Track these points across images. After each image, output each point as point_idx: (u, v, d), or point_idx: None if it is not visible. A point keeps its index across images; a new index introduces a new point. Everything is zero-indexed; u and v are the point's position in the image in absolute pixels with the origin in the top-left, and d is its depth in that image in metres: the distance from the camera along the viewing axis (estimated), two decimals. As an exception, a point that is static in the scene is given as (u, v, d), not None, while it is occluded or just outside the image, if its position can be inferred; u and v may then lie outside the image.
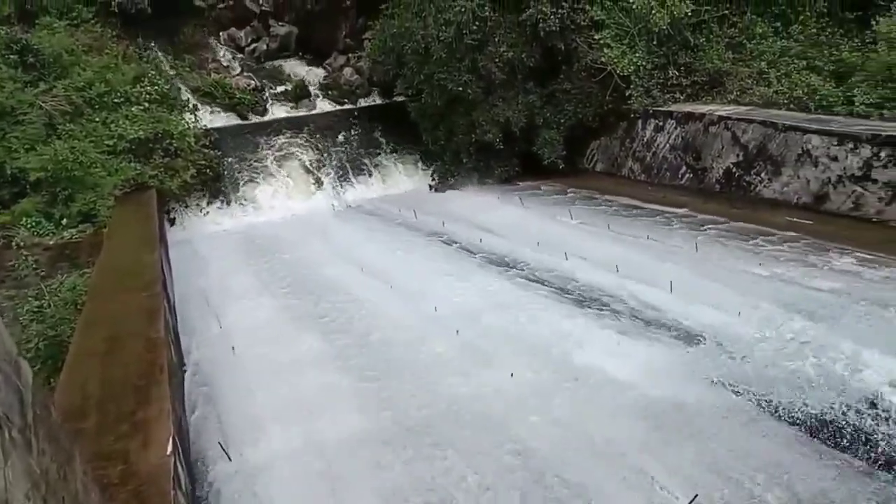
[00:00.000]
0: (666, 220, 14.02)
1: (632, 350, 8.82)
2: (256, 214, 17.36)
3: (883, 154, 12.00)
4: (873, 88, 13.86)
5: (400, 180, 19.45)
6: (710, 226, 13.29)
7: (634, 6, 16.40)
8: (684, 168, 15.87)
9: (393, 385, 8.55)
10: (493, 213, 15.83)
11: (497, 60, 16.73)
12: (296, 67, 21.75)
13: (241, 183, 17.82)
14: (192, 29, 21.27)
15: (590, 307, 10.41)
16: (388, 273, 12.39)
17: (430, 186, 19.17)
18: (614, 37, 16.68)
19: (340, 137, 19.56)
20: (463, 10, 16.47)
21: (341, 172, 19.00)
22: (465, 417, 7.67)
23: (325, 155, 19.06)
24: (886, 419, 5.93)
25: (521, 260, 12.62)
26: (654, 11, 15.96)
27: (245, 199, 17.62)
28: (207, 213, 17.09)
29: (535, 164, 18.01)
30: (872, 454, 6.03)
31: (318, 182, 18.57)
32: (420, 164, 19.72)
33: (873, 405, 6.05)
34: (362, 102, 20.96)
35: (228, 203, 17.44)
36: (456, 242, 14.07)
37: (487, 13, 16.68)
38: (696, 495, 5.92)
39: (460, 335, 9.60)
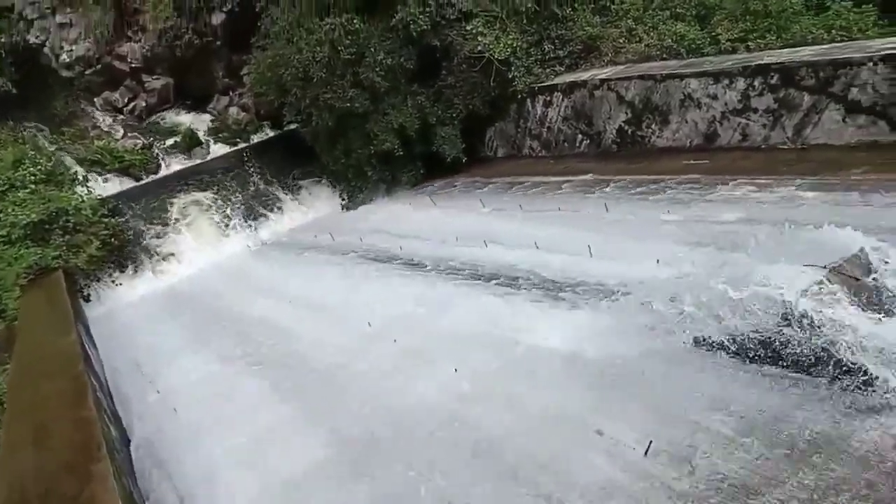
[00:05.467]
0: (573, 189, 14.31)
1: (566, 319, 8.96)
2: (171, 272, 16.98)
3: (756, 83, 12.58)
4: (734, 24, 14.52)
5: (311, 206, 19.35)
6: (614, 185, 13.62)
7: (496, -9, 16.73)
8: (580, 136, 16.26)
9: (341, 407, 8.51)
10: (407, 218, 15.88)
11: (378, 69, 16.78)
12: (180, 117, 21.37)
13: (150, 245, 17.37)
14: (64, 101, 20.67)
15: (518, 288, 10.53)
16: (315, 300, 12.30)
17: (342, 206, 19.08)
18: (485, 24, 16.91)
19: (241, 177, 19.30)
20: (333, 27, 16.48)
21: (249, 211, 18.76)
22: (419, 420, 7.67)
23: (229, 198, 18.79)
24: (804, 326, 6.21)
25: (443, 257, 12.68)
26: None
27: (157, 260, 17.18)
28: (121, 282, 16.57)
29: (439, 162, 18.15)
30: (799, 361, 6.31)
31: (228, 226, 18.27)
32: (328, 187, 19.68)
33: (788, 317, 6.32)
34: (255, 138, 20.74)
35: (141, 268, 16.99)
36: (377, 255, 14.05)
37: (357, 25, 16.71)
38: (651, 441, 6.08)
39: (398, 343, 9.61)
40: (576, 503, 5.85)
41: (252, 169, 19.49)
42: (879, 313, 6.15)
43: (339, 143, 18.00)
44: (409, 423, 7.69)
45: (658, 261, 9.44)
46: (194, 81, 21.75)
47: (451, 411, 7.69)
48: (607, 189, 13.59)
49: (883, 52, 11.06)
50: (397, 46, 17.05)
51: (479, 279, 11.25)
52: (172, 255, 17.29)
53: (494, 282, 11.01)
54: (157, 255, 17.25)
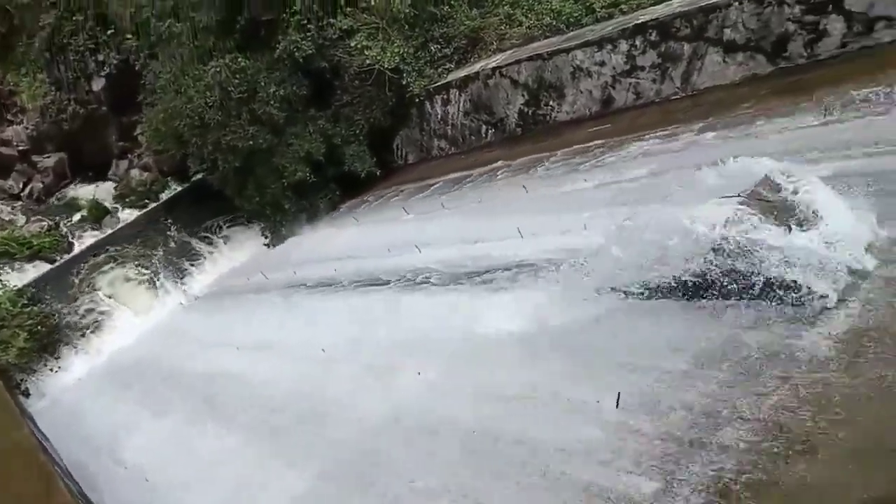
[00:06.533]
0: (489, 178, 14.63)
1: (513, 301, 9.19)
2: (108, 346, 16.58)
3: (638, 43, 13.15)
4: (604, -9, 15.10)
5: (236, 251, 19.18)
6: (527, 166, 13.99)
7: (372, 2, 16.86)
8: (484, 126, 16.61)
9: (311, 437, 8.55)
10: (335, 241, 15.92)
11: (272, 102, 16.75)
12: (82, 190, 20.91)
13: (80, 323, 16.88)
14: (-47, 199, 19.83)
15: (461, 282, 10.73)
16: (263, 340, 12.24)
17: (267, 244, 18.92)
18: (368, 37, 17.06)
19: (158, 237, 18.95)
20: (218, 69, 16.40)
21: (174, 269, 18.46)
22: (394, 431, 7.78)
23: (151, 260, 18.45)
24: (732, 253, 6.60)
25: (380, 270, 12.78)
26: (391, 2, 16.51)
27: (90, 338, 16.72)
28: (58, 368, 16.05)
29: (354, 180, 18.26)
30: (736, 287, 6.69)
31: (156, 288, 17.92)
32: (248, 228, 19.49)
33: (717, 249, 6.70)
34: (164, 195, 20.35)
35: (75, 349, 16.54)
36: (314, 283, 14.04)
37: (243, 63, 16.65)
38: (619, 393, 6.34)
39: (356, 361, 9.68)
40: (563, 464, 6.06)
41: (168, 226, 19.18)
42: (795, 226, 6.59)
43: (249, 183, 17.88)
44: (390, 435, 7.79)
45: (585, 226, 9.78)
46: (89, 151, 21.22)
47: (427, 413, 7.82)
48: (521, 170, 13.94)
49: (744, -9, 11.73)
50: (287, 76, 17.05)
51: (421, 283, 11.41)
52: (105, 328, 16.88)
53: (435, 282, 11.18)
54: (89, 332, 16.82)
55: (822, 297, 6.17)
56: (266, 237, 19.06)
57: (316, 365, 10.30)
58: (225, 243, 19.26)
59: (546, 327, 8.18)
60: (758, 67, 11.93)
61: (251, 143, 16.77)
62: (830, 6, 10.87)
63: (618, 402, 6.31)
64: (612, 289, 8.04)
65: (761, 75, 11.88)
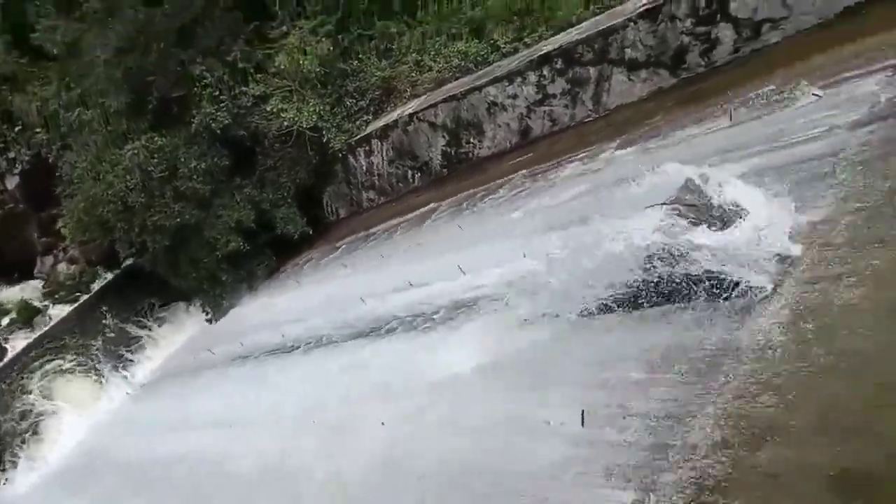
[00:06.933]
0: (421, 221, 14.75)
1: (465, 337, 9.23)
2: (57, 449, 15.86)
3: (545, 72, 13.59)
4: (507, 27, 15.61)
5: (179, 331, 18.76)
6: (458, 204, 14.18)
7: (282, 66, 16.98)
8: (410, 172, 16.79)
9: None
10: (278, 307, 15.72)
11: (195, 177, 16.60)
12: (7, 293, 20.13)
13: (21, 430, 16.14)
14: None
15: (408, 330, 10.72)
16: (219, 418, 11.96)
17: (209, 320, 18.54)
18: (283, 99, 17.14)
19: (95, 329, 18.38)
20: (135, 151, 16.24)
21: (115, 359, 17.95)
22: (368, 483, 7.69)
23: (90, 354, 17.83)
24: (665, 259, 6.83)
25: (327, 329, 12.66)
26: (301, 62, 16.67)
27: (35, 444, 15.99)
28: (4, 481, 15.29)
29: (289, 243, 18.12)
30: (675, 291, 6.91)
31: (99, 381, 17.33)
32: (188, 306, 19.04)
33: (651, 257, 6.92)
34: (96, 286, 19.77)
35: (21, 458, 15.82)
36: (263, 351, 13.81)
37: (160, 142, 16.53)
38: (583, 411, 6.42)
39: (318, 424, 9.55)
40: (538, 489, 6.11)
41: (104, 315, 18.66)
42: (721, 224, 6.88)
43: (182, 260, 17.57)
44: (364, 488, 7.68)
45: (524, 255, 9.93)
46: (10, 252, 20.60)
47: (400, 460, 7.76)
48: (453, 210, 14.12)
49: (637, 12, 12.33)
50: (206, 148, 16.95)
51: (370, 334, 11.36)
52: (49, 431, 16.16)
53: (386, 332, 11.14)
54: (34, 438, 16.05)
55: (757, 287, 6.43)
56: (207, 312, 18.66)
57: (279, 434, 10.11)
58: (165, 325, 18.82)
59: (499, 359, 8.25)
60: (662, 81, 12.48)
61: (178, 220, 16.53)
62: (718, 15, 11.51)
63: (583, 421, 6.39)
64: (557, 312, 8.18)
65: (666, 88, 12.43)
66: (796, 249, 6.64)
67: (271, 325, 14.52)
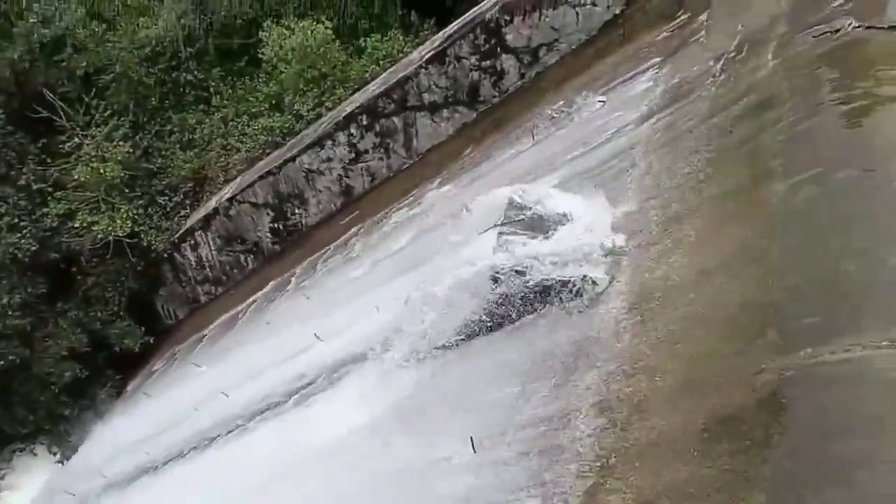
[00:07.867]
0: (266, 301, 14.49)
1: (337, 403, 9.18)
2: None
3: (353, 130, 13.96)
4: (303, 96, 15.90)
5: (25, 483, 16.94)
6: (299, 276, 14.10)
7: (82, 178, 16.10)
8: (242, 256, 16.49)
9: None
10: (134, 426, 14.65)
11: (10, 312, 15.39)
12: None
13: None
14: None
15: (283, 407, 10.44)
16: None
17: (60, 461, 16.95)
18: (91, 212, 16.29)
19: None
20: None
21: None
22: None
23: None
24: (510, 275, 7.24)
25: (194, 433, 11.99)
26: (102, 170, 15.94)
27: None
28: None
29: (131, 357, 17.10)
30: (527, 303, 7.30)
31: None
32: (33, 452, 17.32)
33: (496, 277, 7.31)
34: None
35: None
36: (127, 476, 12.87)
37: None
38: (471, 437, 6.57)
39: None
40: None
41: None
42: (550, 231, 7.40)
43: (15, 404, 16.06)
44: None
45: (377, 308, 10.06)
46: None
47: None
48: (294, 285, 14.00)
49: (424, 59, 13.04)
50: (17, 280, 15.74)
51: (240, 427, 10.94)
52: None
53: (255, 422, 10.79)
54: None
55: (594, 282, 6.95)
56: (55, 453, 17.06)
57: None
58: (10, 476, 16.93)
59: (378, 413, 8.26)
60: (464, 117, 13.23)
61: (2, 362, 15.12)
62: (498, 48, 12.43)
63: (473, 447, 6.53)
64: (419, 358, 8.35)
65: (469, 122, 13.20)
66: (620, 239, 7.26)
67: (132, 447, 13.54)
